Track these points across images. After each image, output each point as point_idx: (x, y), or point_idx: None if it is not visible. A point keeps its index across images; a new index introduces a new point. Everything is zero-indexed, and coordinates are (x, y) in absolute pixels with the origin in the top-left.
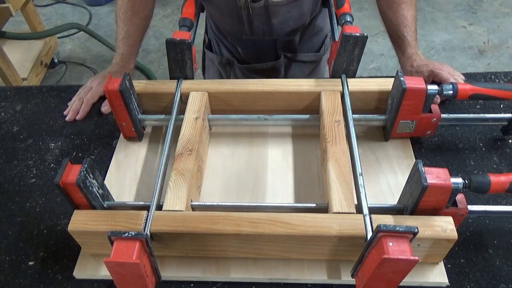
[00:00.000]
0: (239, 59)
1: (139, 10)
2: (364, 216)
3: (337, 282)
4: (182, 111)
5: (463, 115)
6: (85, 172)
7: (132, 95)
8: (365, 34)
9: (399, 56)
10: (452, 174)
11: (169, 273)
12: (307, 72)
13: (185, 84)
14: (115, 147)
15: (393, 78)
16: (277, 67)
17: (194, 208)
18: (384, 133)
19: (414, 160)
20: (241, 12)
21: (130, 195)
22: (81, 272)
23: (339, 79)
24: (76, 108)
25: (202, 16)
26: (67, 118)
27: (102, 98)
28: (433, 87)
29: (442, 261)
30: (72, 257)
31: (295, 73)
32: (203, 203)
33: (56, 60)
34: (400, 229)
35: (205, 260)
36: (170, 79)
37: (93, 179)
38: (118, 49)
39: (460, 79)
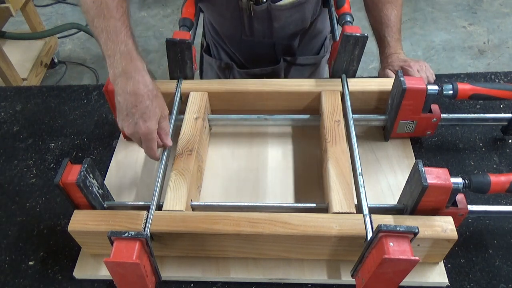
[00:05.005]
0: (238, 64)
1: None
2: (364, 216)
3: (337, 282)
4: (182, 111)
5: (463, 115)
6: (85, 172)
7: None
8: (366, 34)
9: (380, 54)
10: (452, 174)
11: (169, 273)
12: (306, 75)
13: (185, 84)
14: (115, 147)
15: (393, 78)
16: (277, 72)
17: (194, 208)
18: (384, 133)
19: (414, 160)
20: (242, 14)
21: (130, 195)
22: (81, 272)
23: (339, 79)
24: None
25: (202, 16)
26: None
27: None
28: (433, 87)
29: (442, 261)
30: (72, 257)
31: (295, 77)
32: (203, 203)
33: (56, 60)
34: (401, 229)
35: (205, 260)
36: (170, 79)
37: (93, 179)
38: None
39: (431, 78)
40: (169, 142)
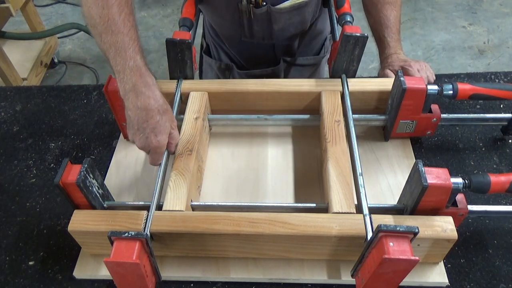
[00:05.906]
0: (238, 65)
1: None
2: (364, 216)
3: (337, 282)
4: (182, 111)
5: (463, 115)
6: (85, 172)
7: None
8: (365, 34)
9: (379, 55)
10: (452, 174)
11: (169, 273)
12: (306, 75)
13: (185, 84)
14: (115, 147)
15: (393, 78)
16: (277, 73)
17: (194, 208)
18: (384, 133)
19: (414, 160)
20: (242, 17)
21: (130, 195)
22: (81, 272)
23: (339, 79)
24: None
25: (202, 17)
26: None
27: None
28: (433, 87)
29: (442, 261)
30: (72, 257)
31: (295, 77)
32: (203, 203)
33: (56, 60)
34: (401, 229)
35: (205, 260)
36: (170, 79)
37: (93, 179)
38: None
39: (431, 78)
40: (173, 150)
